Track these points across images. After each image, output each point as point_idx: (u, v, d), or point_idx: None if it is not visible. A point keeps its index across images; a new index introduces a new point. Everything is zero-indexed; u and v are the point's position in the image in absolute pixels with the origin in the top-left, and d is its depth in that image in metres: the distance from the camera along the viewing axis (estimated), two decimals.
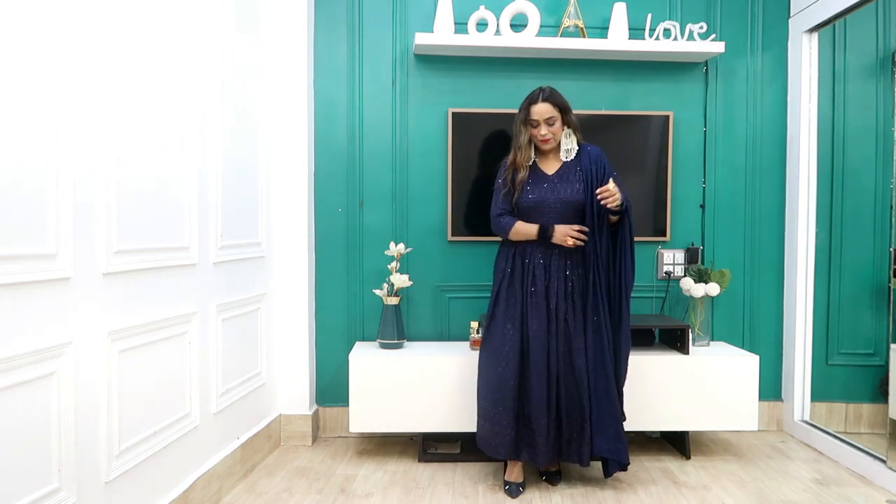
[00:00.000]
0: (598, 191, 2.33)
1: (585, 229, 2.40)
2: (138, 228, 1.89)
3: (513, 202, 2.51)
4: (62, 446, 1.58)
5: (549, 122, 2.42)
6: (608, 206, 2.32)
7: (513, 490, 2.46)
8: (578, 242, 2.38)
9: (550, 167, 2.51)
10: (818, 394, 3.12)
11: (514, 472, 2.51)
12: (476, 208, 3.08)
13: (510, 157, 2.51)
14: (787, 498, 2.45)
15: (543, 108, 2.41)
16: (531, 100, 2.44)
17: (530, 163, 2.50)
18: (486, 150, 3.08)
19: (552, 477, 2.58)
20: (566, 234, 2.39)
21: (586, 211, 2.46)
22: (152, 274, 1.98)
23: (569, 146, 2.50)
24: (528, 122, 2.45)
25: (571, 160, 2.50)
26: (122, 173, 1.81)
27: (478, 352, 2.82)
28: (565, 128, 2.49)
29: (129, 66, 1.84)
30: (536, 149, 2.52)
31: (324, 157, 3.11)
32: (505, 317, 2.48)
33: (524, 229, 2.47)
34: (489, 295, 3.17)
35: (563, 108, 2.45)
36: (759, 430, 3.19)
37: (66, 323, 1.60)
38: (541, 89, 2.45)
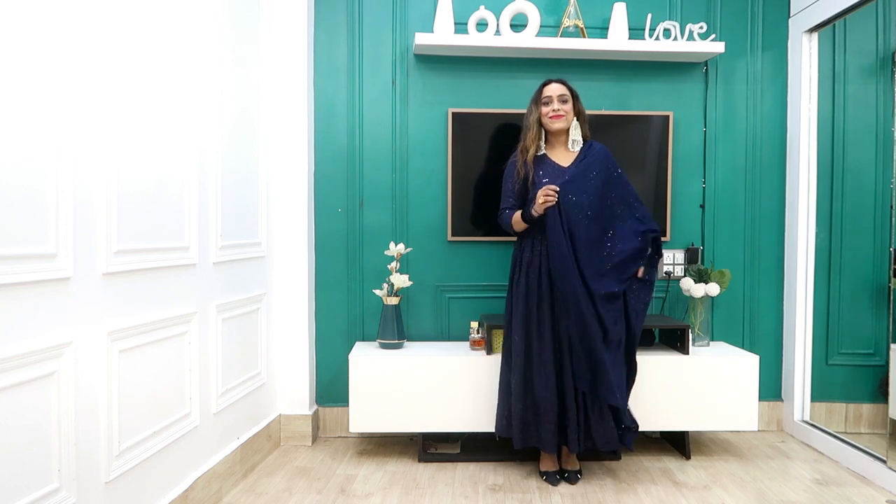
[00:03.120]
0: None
1: (555, 187, 2.41)
2: (138, 228, 1.89)
3: (522, 190, 2.55)
4: (62, 446, 1.58)
5: (562, 98, 2.50)
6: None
7: (551, 478, 2.55)
8: (550, 200, 2.39)
9: (563, 159, 2.55)
10: (818, 394, 3.12)
11: (549, 461, 2.59)
12: (476, 208, 3.07)
13: (520, 144, 2.57)
14: (787, 498, 2.45)
15: (556, 86, 2.51)
16: (543, 83, 2.55)
17: (540, 153, 2.54)
18: (486, 149, 3.08)
19: (571, 476, 2.57)
20: (540, 197, 2.41)
21: (602, 203, 2.50)
22: (152, 274, 1.98)
23: (576, 136, 2.55)
24: (540, 100, 2.52)
25: (583, 155, 2.54)
26: (122, 173, 1.81)
27: (478, 352, 2.83)
28: (575, 119, 2.54)
29: (129, 66, 1.84)
30: (546, 140, 2.57)
31: (324, 158, 3.11)
32: (529, 309, 2.51)
33: (519, 218, 2.54)
34: (489, 295, 3.18)
35: (575, 94, 2.54)
36: (759, 430, 3.19)
37: (65, 323, 1.60)
38: (549, 78, 2.56)
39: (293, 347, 3.01)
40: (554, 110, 2.48)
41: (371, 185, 3.12)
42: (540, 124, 2.53)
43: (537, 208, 2.42)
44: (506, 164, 2.66)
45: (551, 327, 2.48)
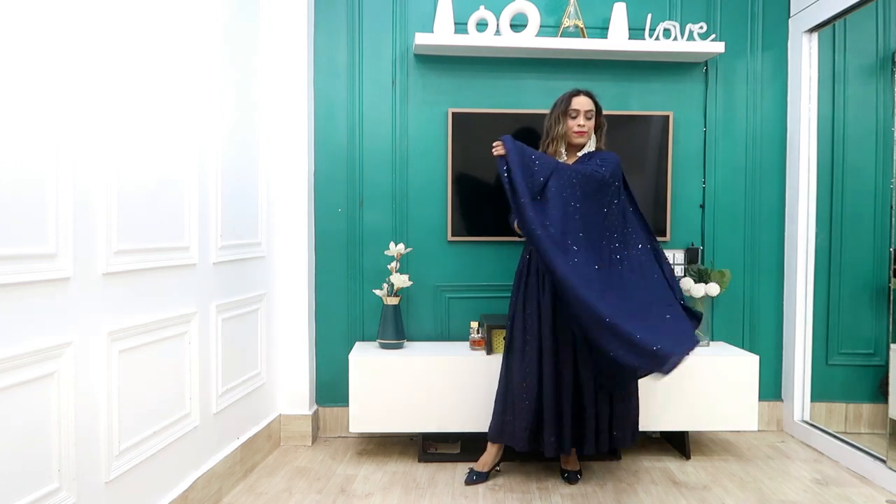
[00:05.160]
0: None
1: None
2: (138, 228, 1.89)
3: None
4: (62, 446, 1.58)
5: (588, 115, 2.50)
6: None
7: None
8: (500, 150, 2.42)
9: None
10: (818, 394, 3.12)
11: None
12: (476, 208, 3.07)
13: (540, 150, 2.56)
14: (787, 498, 2.45)
15: (585, 100, 2.50)
16: (571, 94, 2.52)
17: (562, 160, 2.54)
18: (486, 150, 3.07)
19: (571, 476, 2.58)
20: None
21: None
22: (152, 274, 1.97)
23: (591, 148, 2.57)
24: (568, 112, 2.50)
25: (585, 158, 2.55)
26: (122, 173, 1.81)
27: (478, 352, 2.83)
28: (595, 133, 2.56)
29: (129, 66, 1.84)
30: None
31: (324, 157, 3.11)
32: (526, 314, 2.51)
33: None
34: (489, 295, 3.18)
35: (599, 108, 2.55)
36: (759, 430, 3.19)
37: (65, 323, 1.60)
38: (578, 89, 2.53)
39: (293, 347, 3.01)
40: (580, 125, 2.49)
41: (371, 184, 3.12)
42: (564, 135, 2.53)
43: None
44: None
45: (544, 329, 2.47)
